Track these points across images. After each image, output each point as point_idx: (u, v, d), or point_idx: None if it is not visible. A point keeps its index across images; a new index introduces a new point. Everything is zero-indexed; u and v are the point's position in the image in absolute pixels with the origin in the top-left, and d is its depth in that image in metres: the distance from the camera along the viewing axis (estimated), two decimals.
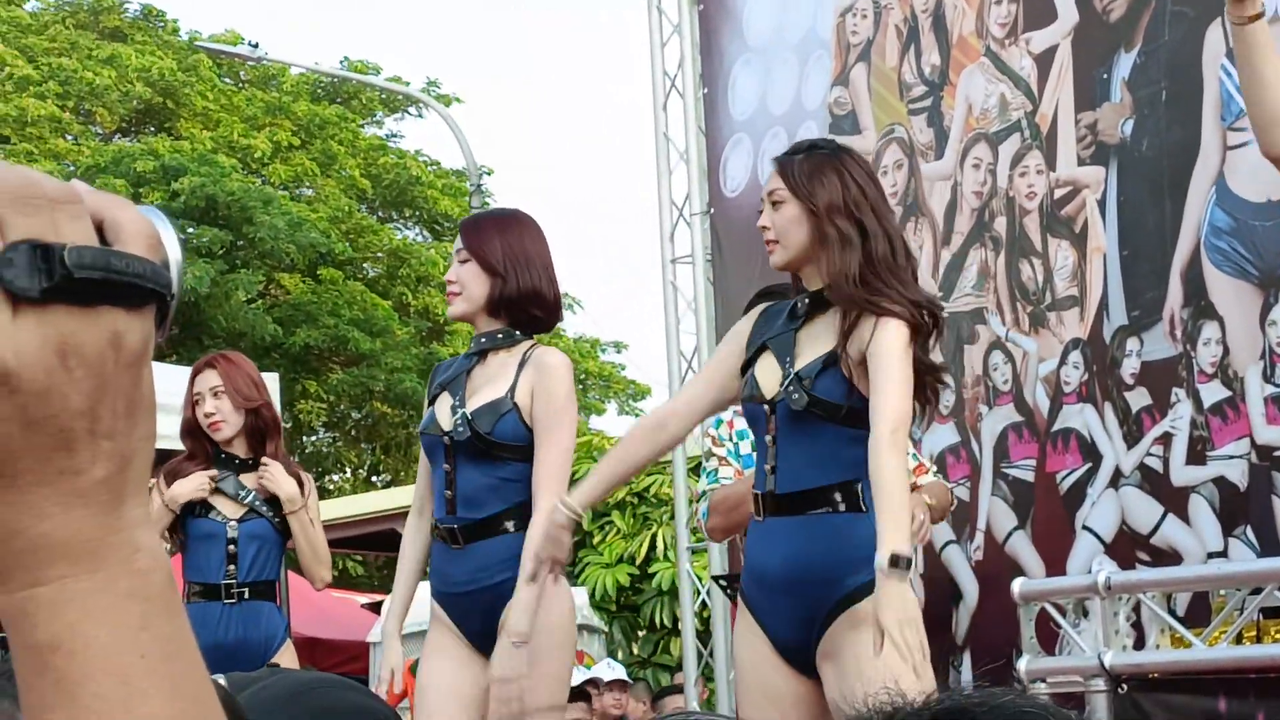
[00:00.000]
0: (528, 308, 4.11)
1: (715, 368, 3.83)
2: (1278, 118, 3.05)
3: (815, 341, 3.61)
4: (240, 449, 5.11)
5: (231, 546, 5.05)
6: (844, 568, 3.54)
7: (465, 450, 4.08)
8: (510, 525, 4.05)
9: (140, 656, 0.73)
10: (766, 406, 3.64)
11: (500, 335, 4.12)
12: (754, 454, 3.88)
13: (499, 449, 4.04)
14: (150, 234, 0.75)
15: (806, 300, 3.67)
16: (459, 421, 4.06)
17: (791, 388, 3.58)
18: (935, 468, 5.19)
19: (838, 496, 3.55)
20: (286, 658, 5.01)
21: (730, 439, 4.91)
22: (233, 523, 5.09)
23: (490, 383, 4.08)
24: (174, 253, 0.77)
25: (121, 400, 0.74)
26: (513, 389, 4.05)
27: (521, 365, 4.07)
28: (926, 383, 3.61)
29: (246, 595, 5.04)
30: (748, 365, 3.72)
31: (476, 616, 4.09)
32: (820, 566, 3.54)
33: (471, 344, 4.21)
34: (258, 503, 5.08)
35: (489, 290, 4.07)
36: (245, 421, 5.09)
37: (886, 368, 3.44)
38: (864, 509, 3.54)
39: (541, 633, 3.94)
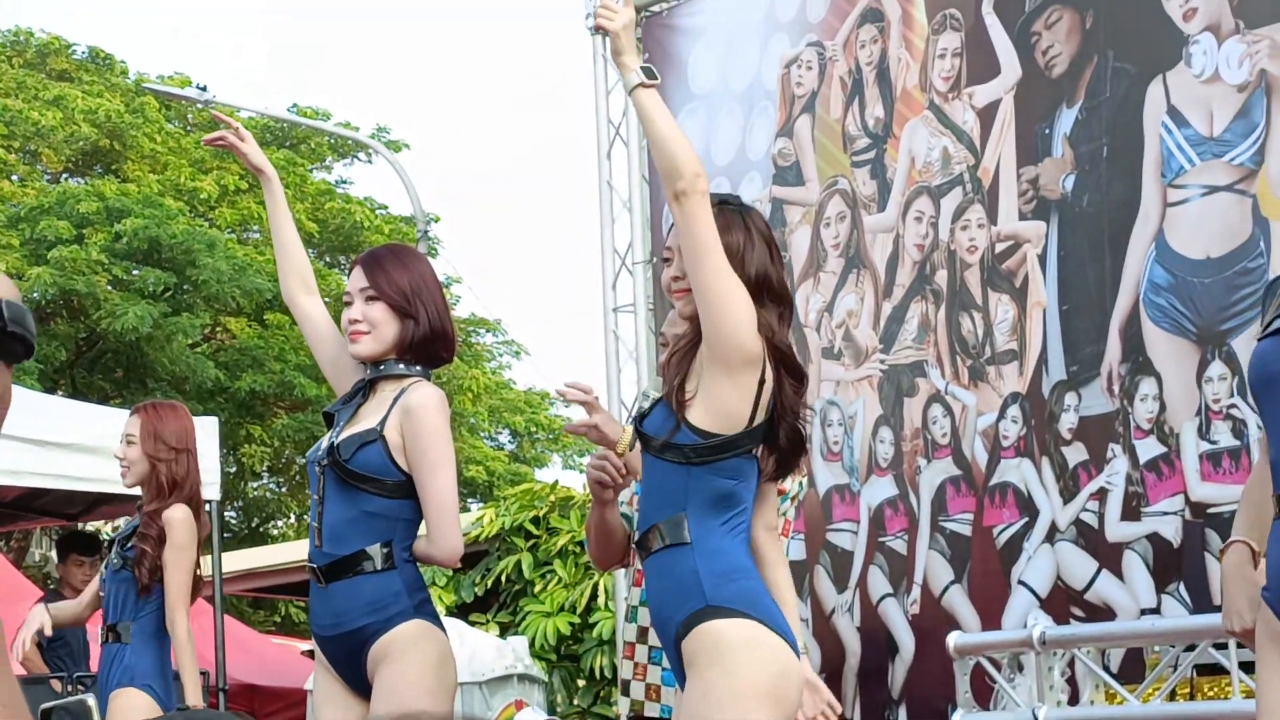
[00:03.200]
0: (434, 347, 4.07)
1: None
2: None
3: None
4: (145, 496, 5.16)
5: (101, 592, 5.24)
6: (674, 605, 3.50)
7: (331, 479, 3.98)
8: (369, 565, 3.97)
9: None
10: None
11: (383, 366, 4.04)
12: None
13: (358, 479, 3.91)
14: None
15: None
16: (326, 449, 3.98)
17: (643, 421, 3.62)
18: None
19: (665, 533, 3.52)
20: (117, 703, 5.06)
21: None
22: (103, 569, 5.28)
23: (371, 414, 4.04)
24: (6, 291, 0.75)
25: None
26: (383, 421, 4.00)
27: (396, 399, 4.03)
28: None
29: (108, 638, 5.18)
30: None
31: (343, 662, 4.02)
32: (669, 605, 3.52)
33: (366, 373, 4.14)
34: (124, 550, 5.17)
35: (399, 332, 4.02)
36: (150, 471, 5.12)
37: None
38: (687, 541, 3.47)
39: (423, 676, 3.91)
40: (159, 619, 5.13)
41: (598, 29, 3.70)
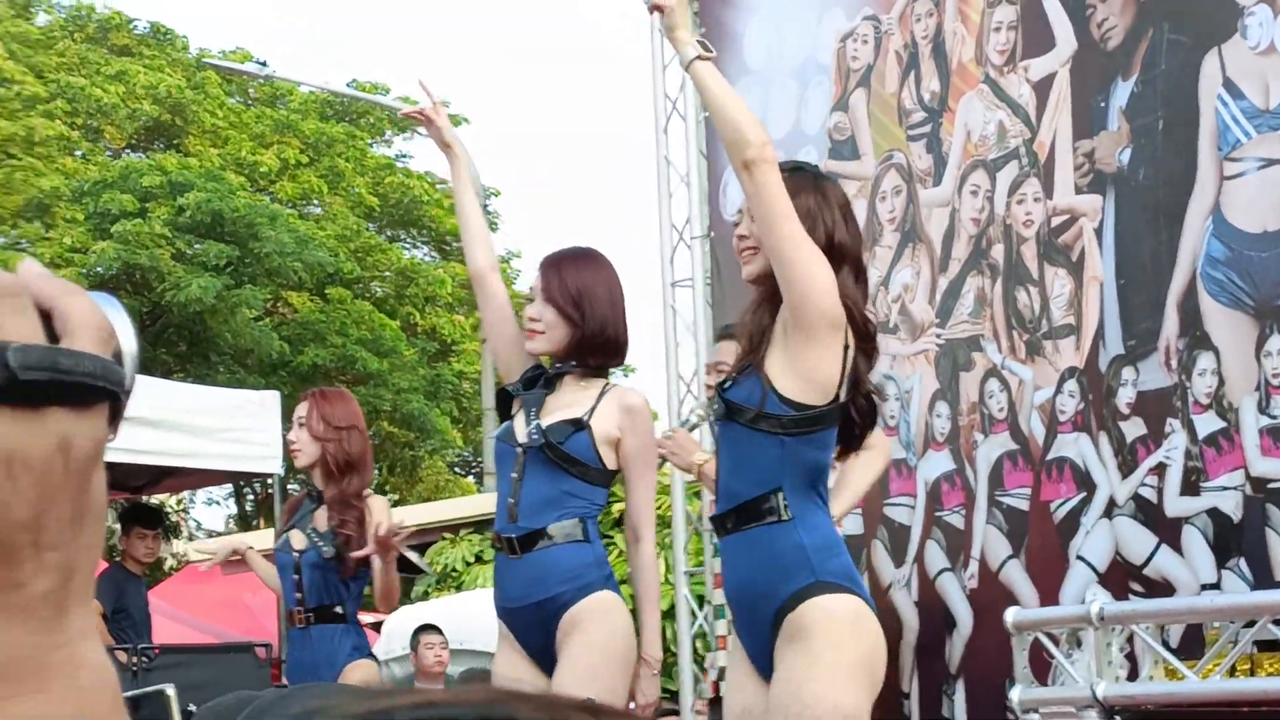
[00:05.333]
0: (602, 351, 4.24)
1: None
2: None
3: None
4: (316, 479, 5.26)
5: (296, 575, 5.29)
6: (776, 578, 3.50)
7: (535, 459, 4.17)
8: (564, 537, 4.09)
9: None
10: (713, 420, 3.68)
11: (575, 365, 4.25)
12: None
13: (569, 462, 4.13)
14: (101, 325, 0.71)
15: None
16: (533, 431, 4.16)
17: (729, 394, 3.61)
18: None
19: (761, 507, 3.52)
20: (355, 675, 5.17)
21: None
22: (296, 553, 5.32)
23: (566, 407, 4.22)
24: (128, 343, 0.73)
25: (68, 508, 0.69)
26: (591, 412, 4.18)
27: (601, 395, 4.21)
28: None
29: (311, 620, 5.27)
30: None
31: (535, 631, 4.13)
32: (761, 581, 3.52)
33: (551, 368, 4.32)
34: (314, 535, 5.25)
35: (569, 335, 4.16)
36: (320, 453, 5.22)
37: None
38: (787, 516, 3.49)
39: (610, 645, 4.01)
40: (360, 601, 5.31)
41: (653, 8, 3.71)
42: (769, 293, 3.56)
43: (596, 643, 4.02)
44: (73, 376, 0.68)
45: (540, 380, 4.27)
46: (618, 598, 4.11)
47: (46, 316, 0.69)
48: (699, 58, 3.60)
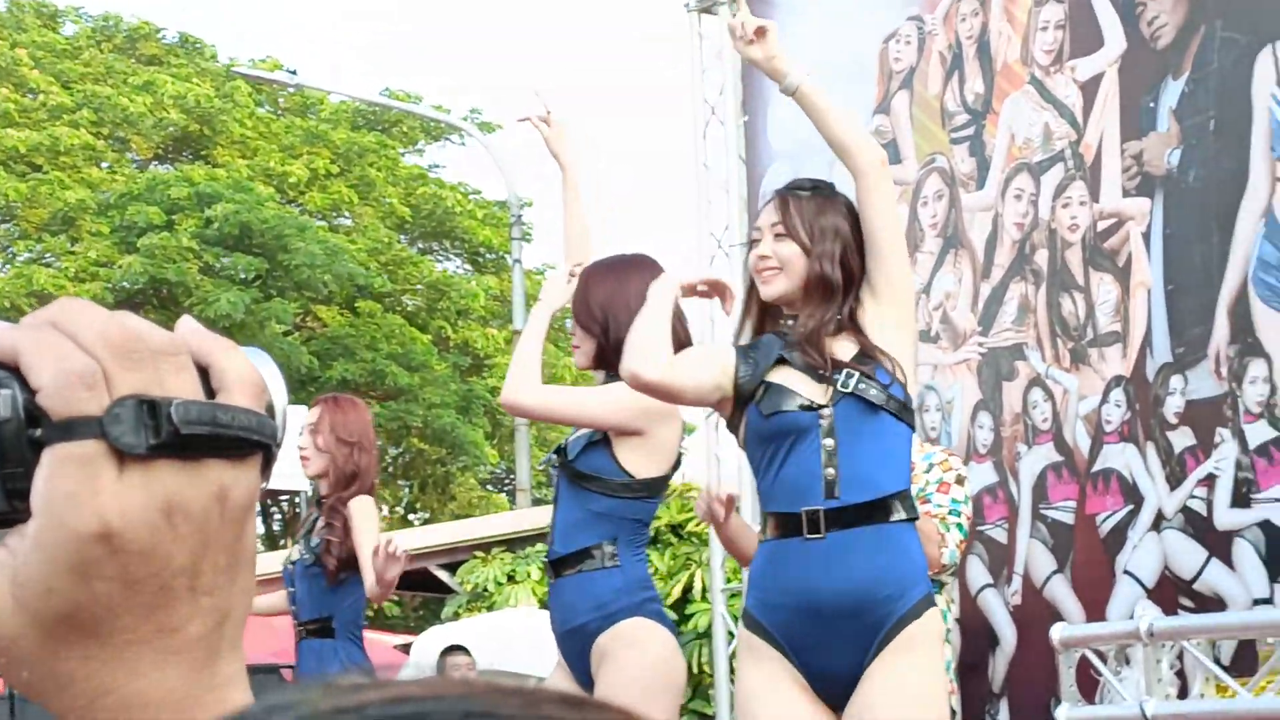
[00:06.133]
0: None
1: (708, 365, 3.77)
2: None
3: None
4: (323, 488, 5.28)
5: (292, 588, 5.33)
6: (905, 582, 3.50)
7: (562, 480, 4.17)
8: (593, 563, 4.06)
9: None
10: (821, 411, 3.59)
11: (608, 375, 4.16)
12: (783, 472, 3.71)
13: (585, 479, 4.09)
14: (255, 380, 0.76)
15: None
16: (556, 451, 4.19)
17: (861, 384, 3.56)
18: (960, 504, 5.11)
19: (904, 503, 3.57)
20: None
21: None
22: (292, 565, 5.36)
23: None
24: (279, 397, 0.78)
25: (223, 555, 0.74)
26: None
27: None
28: None
29: (304, 634, 5.29)
30: (753, 386, 3.66)
31: (574, 661, 4.12)
32: (891, 582, 3.50)
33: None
34: (305, 544, 5.26)
35: (594, 348, 4.12)
36: (329, 462, 5.23)
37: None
38: (916, 517, 3.60)
39: (641, 675, 3.95)
40: (357, 614, 5.27)
41: (751, 37, 3.78)
42: (818, 300, 3.64)
43: (627, 675, 3.97)
44: (230, 430, 0.73)
45: None
46: (652, 624, 4.03)
47: (204, 372, 0.75)
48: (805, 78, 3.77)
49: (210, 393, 0.75)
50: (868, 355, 3.58)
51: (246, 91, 23.25)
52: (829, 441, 3.53)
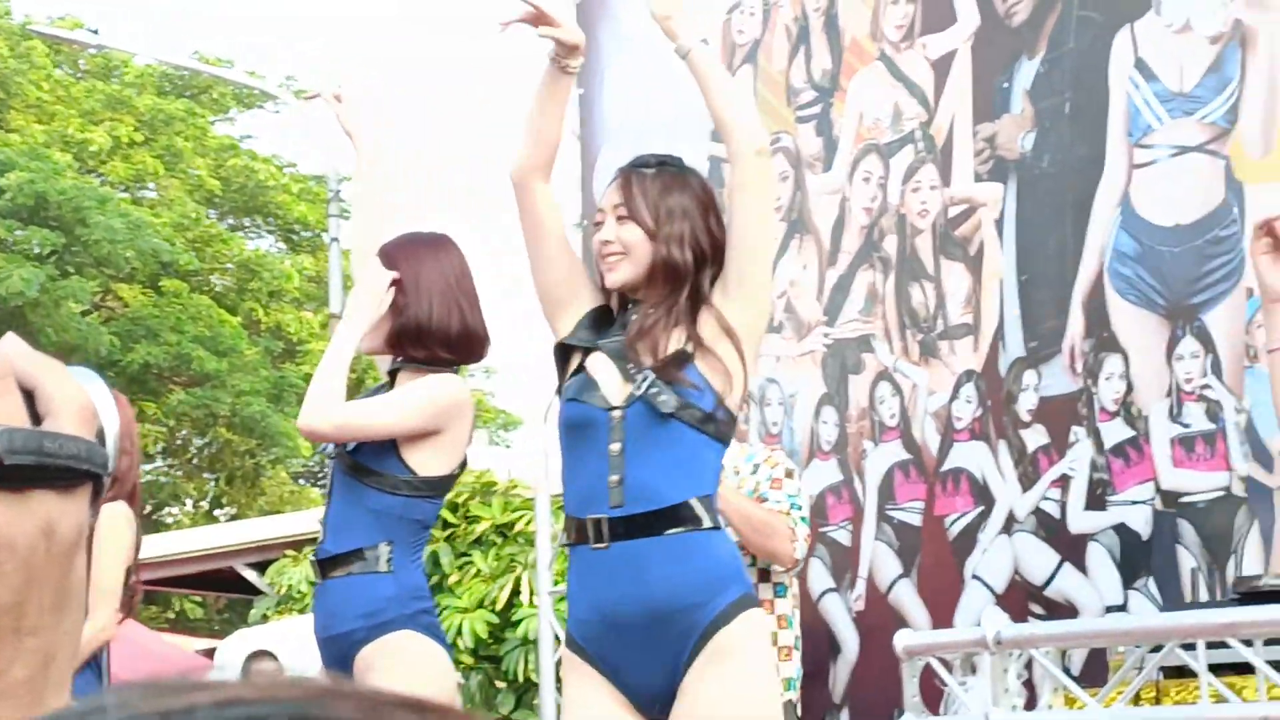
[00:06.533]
0: (417, 343, 4.11)
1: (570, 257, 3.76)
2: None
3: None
4: None
5: None
6: (709, 589, 3.47)
7: (335, 472, 4.06)
8: (363, 567, 3.93)
9: None
10: (613, 412, 3.56)
11: (401, 361, 4.10)
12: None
13: (361, 472, 3.96)
14: (84, 404, 0.75)
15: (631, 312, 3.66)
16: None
17: (654, 389, 3.52)
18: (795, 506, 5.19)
19: (699, 510, 3.51)
20: None
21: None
22: None
23: None
24: (110, 421, 0.77)
25: (50, 594, 0.72)
26: None
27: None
28: None
29: None
30: (568, 358, 3.65)
31: (336, 668, 3.97)
32: (691, 590, 3.47)
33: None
34: None
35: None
36: None
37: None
38: (718, 525, 3.55)
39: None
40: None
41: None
42: (663, 288, 3.57)
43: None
44: (57, 460, 0.72)
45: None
46: (423, 638, 3.93)
47: (29, 395, 0.74)
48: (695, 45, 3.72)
49: (36, 418, 0.73)
50: (685, 357, 3.51)
51: (43, 51, 22.72)
52: (615, 446, 3.51)
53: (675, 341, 3.55)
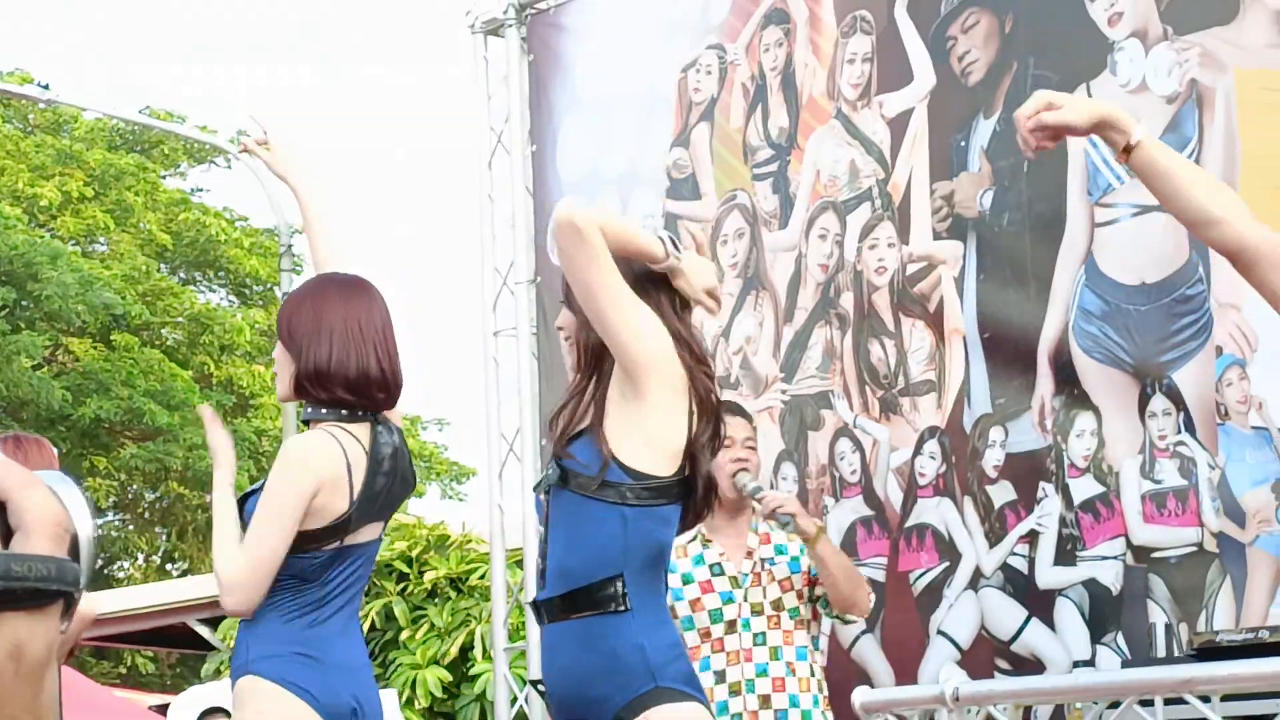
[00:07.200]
0: (316, 385, 4.00)
1: None
2: (1197, 221, 2.98)
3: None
4: None
5: None
6: (614, 682, 3.36)
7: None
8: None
9: None
10: (543, 497, 3.51)
11: (312, 409, 4.06)
12: None
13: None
14: (58, 519, 0.73)
15: None
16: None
17: (550, 468, 3.48)
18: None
19: (616, 590, 3.39)
20: None
21: None
22: None
23: None
24: (84, 528, 0.75)
25: (20, 715, 0.70)
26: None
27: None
28: None
29: None
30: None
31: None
32: (598, 681, 3.37)
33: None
34: None
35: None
36: None
37: None
38: (626, 607, 3.36)
39: None
40: None
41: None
42: (582, 372, 3.52)
43: None
44: (26, 583, 0.70)
45: None
46: (267, 685, 3.85)
47: (1, 507, 0.72)
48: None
49: (7, 530, 0.71)
50: (578, 433, 3.43)
51: None
52: (543, 530, 3.50)
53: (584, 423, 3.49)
